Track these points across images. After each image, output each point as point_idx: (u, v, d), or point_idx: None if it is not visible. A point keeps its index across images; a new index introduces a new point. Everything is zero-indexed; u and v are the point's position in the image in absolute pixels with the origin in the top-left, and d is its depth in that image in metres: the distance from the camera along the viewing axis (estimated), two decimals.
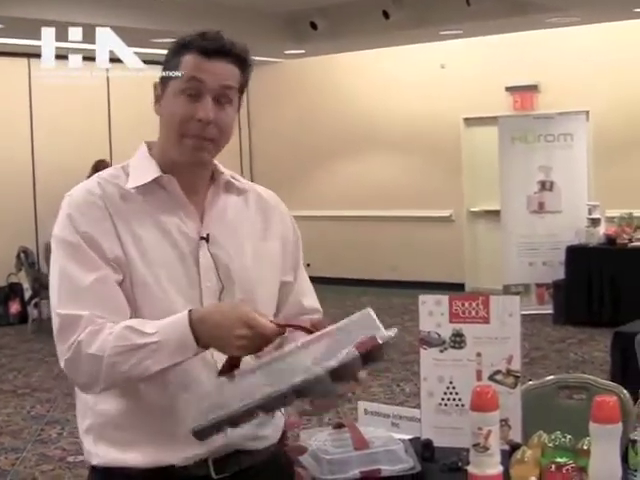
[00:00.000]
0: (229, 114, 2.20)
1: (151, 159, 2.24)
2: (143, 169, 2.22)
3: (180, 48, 2.18)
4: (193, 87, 2.15)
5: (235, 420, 2.02)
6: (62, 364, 2.10)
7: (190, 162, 2.21)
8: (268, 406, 2.01)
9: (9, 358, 9.78)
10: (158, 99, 2.22)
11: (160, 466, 2.16)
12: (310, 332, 2.06)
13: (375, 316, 2.01)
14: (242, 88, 2.24)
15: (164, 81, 2.20)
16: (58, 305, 2.11)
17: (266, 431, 2.30)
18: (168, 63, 2.20)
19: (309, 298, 2.47)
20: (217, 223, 2.25)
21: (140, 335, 2.04)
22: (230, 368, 2.08)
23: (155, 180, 2.20)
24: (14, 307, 11.74)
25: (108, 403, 2.17)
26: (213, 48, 2.15)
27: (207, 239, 2.21)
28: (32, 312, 11.36)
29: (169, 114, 2.19)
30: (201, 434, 2.03)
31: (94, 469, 2.23)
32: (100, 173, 2.27)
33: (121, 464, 2.17)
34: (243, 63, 2.21)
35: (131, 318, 2.11)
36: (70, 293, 2.11)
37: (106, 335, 2.05)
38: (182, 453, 2.16)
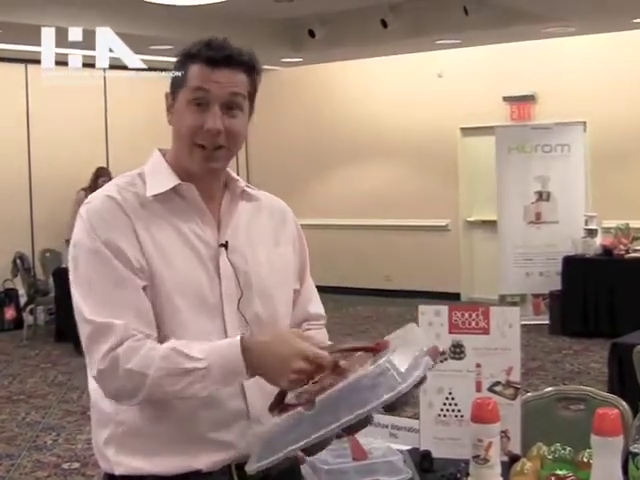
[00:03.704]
0: (239, 121, 2.20)
1: (167, 166, 2.24)
2: (161, 177, 2.22)
3: (186, 59, 2.19)
4: (200, 97, 2.15)
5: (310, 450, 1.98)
6: (94, 372, 2.08)
7: (202, 171, 2.21)
8: (353, 427, 1.95)
9: (4, 364, 9.75)
10: (169, 109, 2.23)
11: (187, 472, 2.16)
12: (375, 351, 2.03)
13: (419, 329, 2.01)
14: (252, 95, 2.24)
15: (174, 92, 2.22)
16: (89, 313, 2.08)
17: None
18: (176, 74, 2.21)
19: (314, 304, 2.49)
20: (234, 230, 2.26)
21: (188, 360, 2.02)
22: (280, 401, 2.08)
23: (173, 188, 2.20)
24: (9, 313, 11.72)
25: (132, 412, 2.16)
26: (218, 57, 2.15)
27: (226, 246, 2.22)
28: (27, 318, 11.33)
29: (179, 125, 2.20)
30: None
31: (114, 478, 2.21)
32: (116, 180, 2.24)
33: (147, 472, 2.16)
34: (250, 70, 2.21)
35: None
36: (99, 302, 2.08)
37: (147, 351, 2.04)
38: (209, 458, 2.17)
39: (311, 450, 1.98)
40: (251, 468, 2.01)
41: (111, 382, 2.07)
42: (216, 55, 2.15)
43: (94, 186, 11.41)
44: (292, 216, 2.46)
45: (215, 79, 2.15)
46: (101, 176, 11.59)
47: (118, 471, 2.19)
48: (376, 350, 2.04)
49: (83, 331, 2.09)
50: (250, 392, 2.20)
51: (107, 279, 2.08)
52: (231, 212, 2.28)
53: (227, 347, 2.04)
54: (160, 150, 2.31)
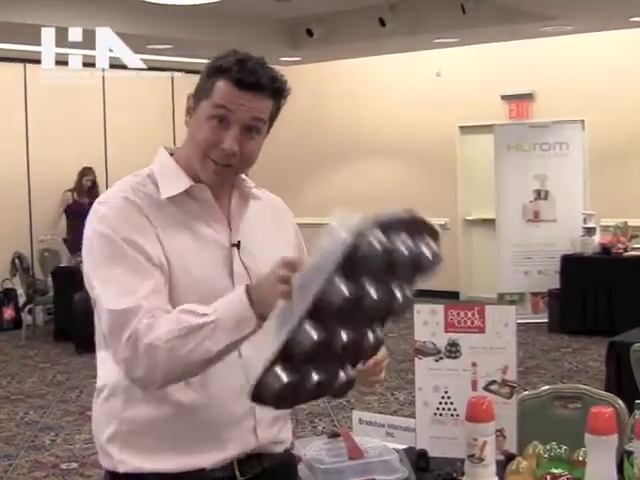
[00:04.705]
0: (255, 143, 2.20)
1: (179, 167, 2.23)
2: (172, 178, 2.21)
3: (216, 71, 2.15)
4: (222, 115, 2.13)
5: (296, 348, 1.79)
6: (119, 362, 2.06)
7: (210, 182, 2.21)
8: (324, 300, 1.78)
9: (2, 364, 9.75)
10: (189, 112, 2.21)
11: (190, 470, 2.17)
12: None
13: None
14: (273, 117, 2.24)
15: (197, 98, 2.19)
16: (109, 303, 2.06)
17: (284, 435, 2.36)
18: (203, 82, 2.18)
19: None
20: (245, 230, 2.27)
21: (196, 316, 1.98)
22: None
23: (186, 189, 2.20)
24: (8, 313, 11.71)
25: (137, 410, 2.16)
26: (248, 81, 2.13)
27: (238, 246, 2.23)
28: (26, 318, 11.32)
29: (197, 134, 2.18)
30: (259, 392, 1.80)
31: (118, 476, 2.21)
32: (127, 180, 2.22)
33: (151, 470, 2.16)
34: (278, 96, 2.20)
35: None
36: (118, 291, 2.05)
37: (162, 323, 2.00)
38: (213, 457, 2.18)
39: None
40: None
41: (135, 366, 2.02)
42: (246, 79, 2.12)
43: (79, 187, 11.54)
44: (290, 215, 2.49)
45: (240, 102, 2.13)
46: (85, 175, 11.67)
47: (122, 469, 2.19)
48: None
49: (105, 322, 2.07)
50: None
51: (126, 269, 2.06)
52: (240, 212, 2.28)
53: (234, 296, 2.00)
54: (168, 149, 2.30)
